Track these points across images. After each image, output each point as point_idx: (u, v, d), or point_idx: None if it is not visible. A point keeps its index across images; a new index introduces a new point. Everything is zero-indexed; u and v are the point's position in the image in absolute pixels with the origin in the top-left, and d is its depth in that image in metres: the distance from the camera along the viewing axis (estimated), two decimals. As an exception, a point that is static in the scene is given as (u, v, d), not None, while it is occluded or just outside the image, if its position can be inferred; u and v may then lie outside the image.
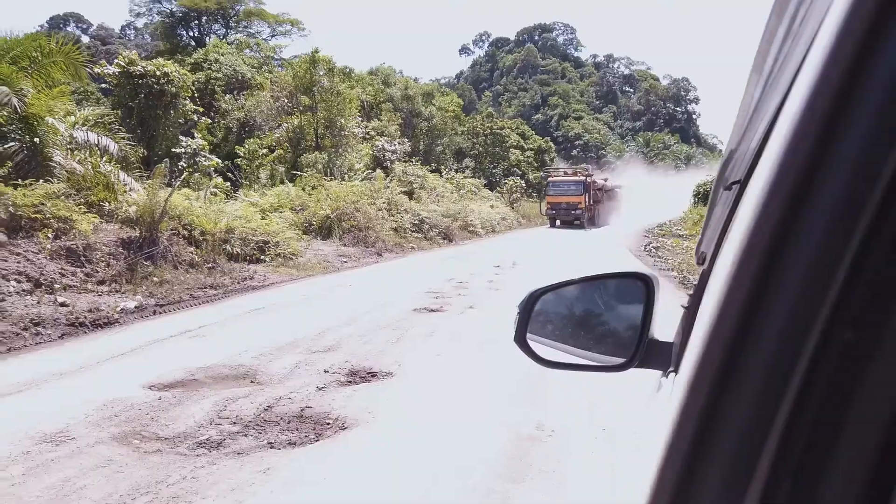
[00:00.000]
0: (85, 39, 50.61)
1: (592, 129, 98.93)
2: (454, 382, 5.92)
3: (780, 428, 0.44)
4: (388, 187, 24.19)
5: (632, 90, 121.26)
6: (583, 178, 38.56)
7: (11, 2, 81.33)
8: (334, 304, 10.14)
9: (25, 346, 7.31)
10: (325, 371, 6.09)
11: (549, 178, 40.59)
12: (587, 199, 37.59)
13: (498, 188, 43.81)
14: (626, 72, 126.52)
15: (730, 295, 0.48)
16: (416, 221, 23.33)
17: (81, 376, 6.03)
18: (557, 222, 37.55)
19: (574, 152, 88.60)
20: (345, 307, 9.69)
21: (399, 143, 32.67)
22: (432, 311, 9.61)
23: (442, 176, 34.30)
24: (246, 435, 4.50)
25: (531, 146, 56.40)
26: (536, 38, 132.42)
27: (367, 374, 6.09)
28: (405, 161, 31.16)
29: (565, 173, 42.35)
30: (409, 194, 26.48)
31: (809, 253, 0.43)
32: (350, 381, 5.83)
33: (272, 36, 51.35)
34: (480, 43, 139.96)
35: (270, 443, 4.40)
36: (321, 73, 27.40)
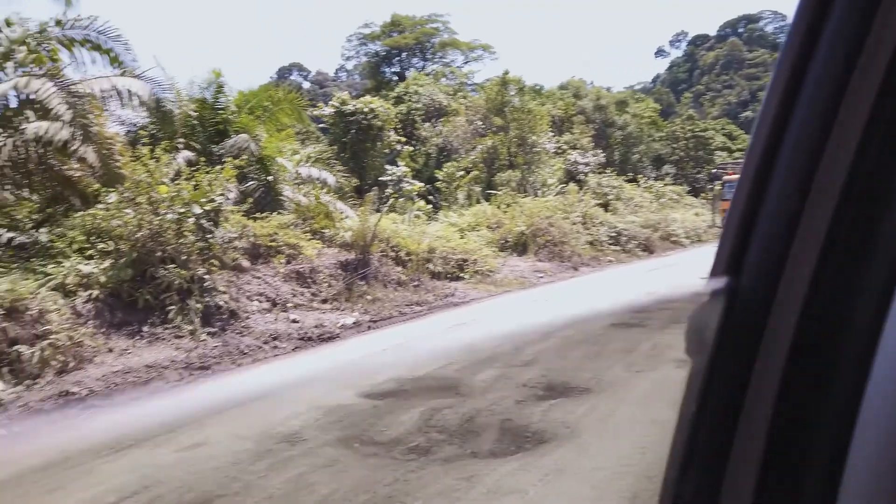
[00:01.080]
0: (306, 85, 57.26)
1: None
2: (654, 400, 5.70)
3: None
4: (582, 200, 23.91)
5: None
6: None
7: (248, 59, 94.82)
8: (531, 319, 10.25)
9: (266, 357, 8.42)
10: (523, 385, 6.22)
11: (725, 177, 30.60)
12: None
13: (703, 194, 41.07)
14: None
15: None
16: (613, 234, 22.73)
17: (310, 385, 6.79)
18: None
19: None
20: (541, 322, 9.75)
21: (592, 155, 32.19)
22: (632, 326, 9.32)
23: (639, 185, 33.08)
24: (451, 443, 4.76)
25: (740, 146, 52.17)
26: (741, 30, 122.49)
27: (565, 388, 6.10)
28: (599, 172, 30.60)
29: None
30: (605, 206, 25.91)
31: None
32: (548, 396, 5.89)
33: (465, 63, 53.74)
34: (677, 43, 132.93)
35: (473, 452, 4.61)
36: (512, 93, 28.04)
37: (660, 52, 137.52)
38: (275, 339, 9.05)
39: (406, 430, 5.05)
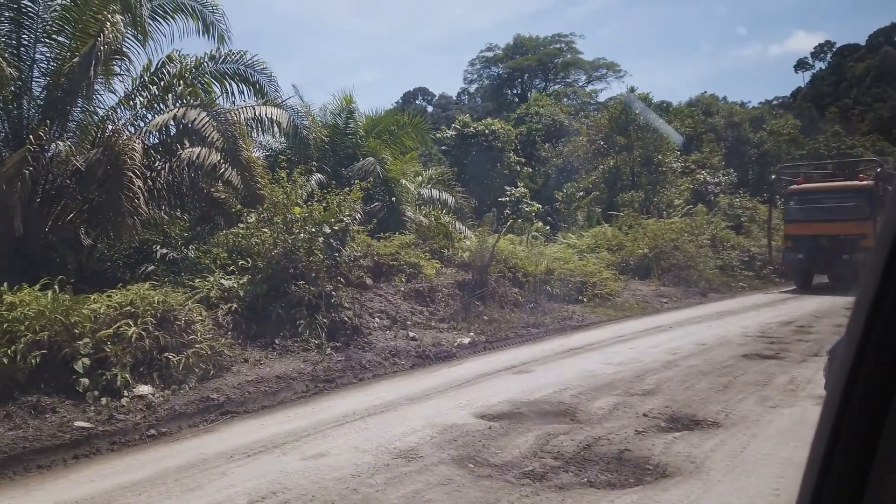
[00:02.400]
0: (429, 109, 58.96)
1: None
2: (790, 438, 5.27)
3: None
4: (712, 222, 22.73)
5: None
6: (868, 182, 17.80)
7: (376, 86, 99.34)
8: (653, 346, 9.86)
9: (385, 373, 8.68)
10: (644, 415, 5.98)
11: (793, 188, 19.45)
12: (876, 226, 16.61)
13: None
14: None
15: None
16: (746, 258, 21.39)
17: (426, 402, 6.93)
18: (813, 280, 19.24)
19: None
20: (665, 350, 9.36)
21: (723, 175, 30.56)
22: (766, 357, 8.71)
23: (776, 206, 30.88)
24: (566, 471, 4.66)
25: (894, 164, 47.38)
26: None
27: (690, 421, 5.80)
28: (731, 193, 28.96)
29: (827, 176, 20.50)
30: (737, 229, 24.46)
31: None
32: (671, 428, 5.62)
33: (588, 82, 53.08)
34: (821, 55, 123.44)
35: (590, 481, 4.49)
36: (637, 110, 27.31)
37: (801, 65, 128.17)
38: (394, 355, 9.31)
39: (521, 454, 5.01)
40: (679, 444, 5.15)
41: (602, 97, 48.18)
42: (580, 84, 52.71)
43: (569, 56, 53.62)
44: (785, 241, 19.24)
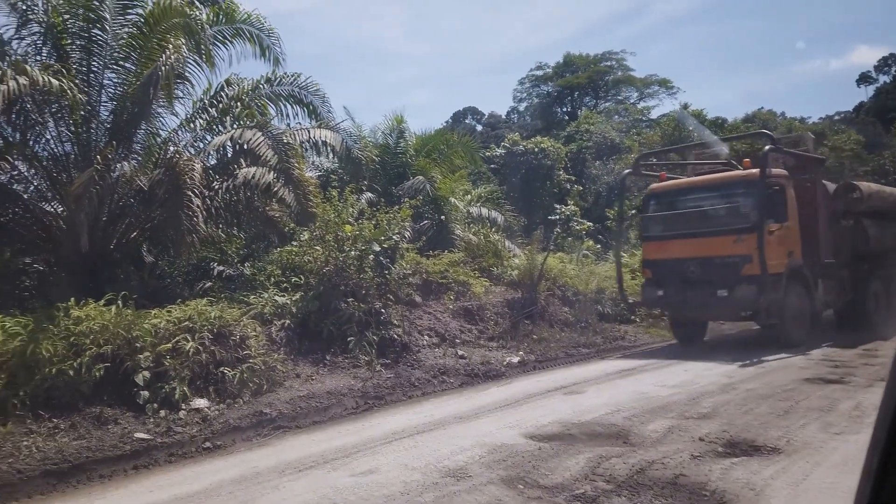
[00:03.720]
0: (479, 128, 59.17)
1: None
2: (855, 467, 5.00)
3: None
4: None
5: None
6: (753, 171, 10.95)
7: (426, 106, 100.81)
8: (708, 368, 9.57)
9: (434, 391, 8.67)
10: (700, 439, 5.79)
11: (652, 187, 12.71)
12: (770, 242, 10.60)
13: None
14: None
15: None
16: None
17: (476, 421, 6.89)
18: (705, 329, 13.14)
19: None
20: (720, 372, 9.07)
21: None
22: (829, 381, 8.33)
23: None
24: (619, 495, 4.54)
25: (966, 180, 45.04)
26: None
27: (749, 446, 5.58)
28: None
29: (702, 168, 13.69)
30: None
31: None
32: (729, 453, 5.43)
33: (640, 99, 52.41)
34: (885, 68, 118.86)
35: (643, 507, 4.36)
36: (690, 127, 26.81)
37: (864, 79, 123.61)
38: (443, 373, 9.31)
39: (571, 476, 4.91)
40: (737, 471, 4.96)
41: (654, 114, 47.49)
42: (631, 101, 52.06)
43: (620, 73, 53.11)
44: (643, 270, 12.82)
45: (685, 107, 27.56)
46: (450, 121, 60.50)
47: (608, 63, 53.76)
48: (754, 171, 10.93)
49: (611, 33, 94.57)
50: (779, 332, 11.11)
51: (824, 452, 5.42)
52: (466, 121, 63.68)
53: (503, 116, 63.30)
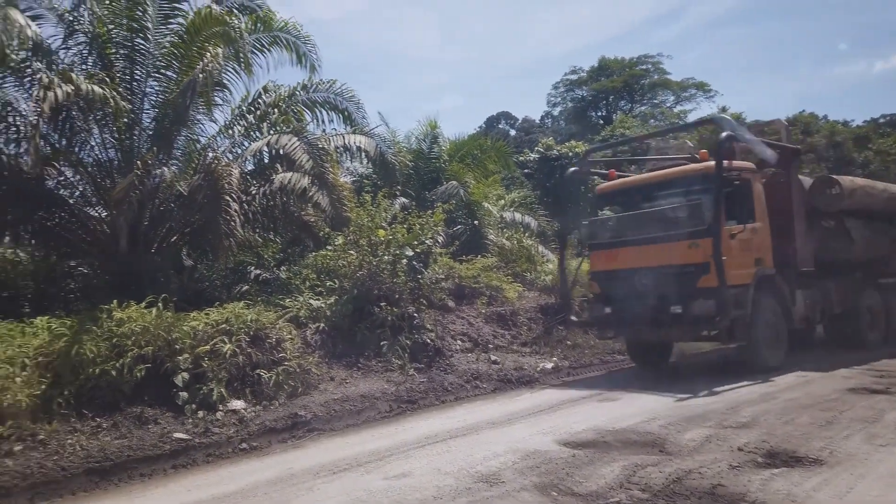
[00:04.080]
0: (512, 133, 58.96)
1: None
2: (908, 483, 4.84)
3: None
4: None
5: None
6: (707, 164, 9.59)
7: (460, 111, 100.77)
8: (747, 377, 9.35)
9: (467, 396, 8.66)
10: (739, 448, 5.66)
11: (600, 188, 11.73)
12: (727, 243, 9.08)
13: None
14: None
15: None
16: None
17: (509, 427, 6.86)
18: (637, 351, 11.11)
19: None
20: (759, 382, 8.86)
21: (825, 196, 28.83)
22: (875, 391, 8.07)
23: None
24: (654, 504, 4.47)
25: None
26: None
27: (790, 457, 5.43)
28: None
29: (659, 164, 12.42)
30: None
31: None
32: (769, 464, 5.29)
33: (676, 103, 51.65)
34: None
35: (680, 517, 4.28)
36: (727, 129, 26.30)
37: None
38: (476, 378, 9.29)
39: (606, 484, 4.85)
40: (778, 482, 4.84)
41: (691, 118, 46.72)
42: (668, 105, 51.32)
43: (655, 77, 52.42)
44: (590, 284, 11.15)
45: (723, 110, 27.04)
46: (483, 126, 60.41)
47: (644, 67, 53.11)
48: (710, 163, 9.48)
49: (647, 37, 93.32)
50: (747, 355, 9.52)
51: (869, 464, 5.24)
52: (500, 126, 63.52)
53: (537, 121, 62.95)
